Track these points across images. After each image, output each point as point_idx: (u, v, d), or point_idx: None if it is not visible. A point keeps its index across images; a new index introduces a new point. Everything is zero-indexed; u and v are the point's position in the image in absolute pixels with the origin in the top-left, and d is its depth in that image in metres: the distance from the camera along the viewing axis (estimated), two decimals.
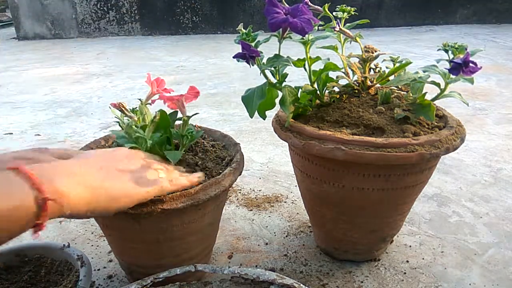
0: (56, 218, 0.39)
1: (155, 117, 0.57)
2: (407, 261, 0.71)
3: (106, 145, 0.68)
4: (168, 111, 0.63)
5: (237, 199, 0.93)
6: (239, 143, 0.66)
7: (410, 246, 0.75)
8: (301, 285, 0.51)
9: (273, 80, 0.62)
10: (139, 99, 0.63)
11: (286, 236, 0.79)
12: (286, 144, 0.64)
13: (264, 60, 0.59)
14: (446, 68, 0.56)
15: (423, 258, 0.72)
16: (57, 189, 0.38)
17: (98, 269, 0.71)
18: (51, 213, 0.37)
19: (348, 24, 0.66)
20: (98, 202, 0.42)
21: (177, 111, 0.64)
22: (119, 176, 0.45)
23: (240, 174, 0.60)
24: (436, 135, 0.57)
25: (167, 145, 0.60)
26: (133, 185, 0.46)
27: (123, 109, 0.59)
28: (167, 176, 0.51)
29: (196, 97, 0.62)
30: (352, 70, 0.67)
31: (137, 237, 0.56)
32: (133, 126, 0.58)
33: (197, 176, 0.55)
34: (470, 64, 0.53)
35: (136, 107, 0.60)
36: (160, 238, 0.56)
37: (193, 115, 0.63)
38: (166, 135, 0.60)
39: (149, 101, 0.64)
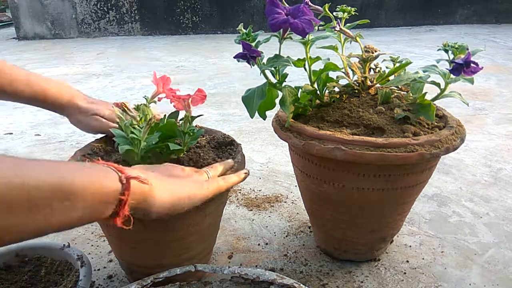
0: (140, 205, 0.42)
1: (150, 119, 0.57)
2: (407, 261, 0.71)
3: (104, 145, 0.68)
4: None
5: (237, 199, 0.93)
6: (240, 144, 0.66)
7: (410, 246, 0.75)
8: (301, 285, 0.51)
9: (273, 80, 0.62)
10: (145, 97, 0.62)
11: (286, 236, 0.79)
12: (286, 144, 0.64)
13: (264, 60, 0.59)
14: (446, 68, 0.57)
15: (423, 258, 0.72)
16: (139, 176, 0.41)
17: (98, 269, 0.71)
18: (134, 193, 0.40)
19: (348, 24, 0.66)
20: (178, 202, 0.47)
21: (178, 111, 0.64)
22: (184, 182, 0.50)
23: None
24: (436, 135, 0.57)
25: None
26: (197, 186, 0.50)
27: (126, 108, 0.59)
28: (215, 176, 0.55)
29: (202, 100, 0.62)
30: (352, 70, 0.67)
31: (138, 238, 0.56)
32: (130, 127, 0.58)
33: (244, 173, 0.58)
34: (472, 64, 0.53)
35: (141, 104, 0.60)
36: (161, 239, 0.56)
37: (197, 116, 0.62)
38: (167, 142, 0.59)
39: (155, 99, 0.63)
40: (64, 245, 0.62)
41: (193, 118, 0.61)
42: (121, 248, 0.62)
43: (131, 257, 0.62)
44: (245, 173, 0.59)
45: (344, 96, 0.67)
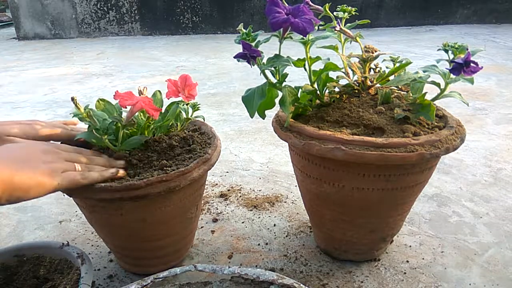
0: None
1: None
2: (407, 261, 0.71)
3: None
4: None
5: (237, 199, 0.93)
6: (218, 137, 0.67)
7: (410, 246, 0.75)
8: (301, 285, 0.51)
9: (273, 80, 0.62)
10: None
11: (286, 236, 0.79)
12: (286, 144, 0.64)
13: (264, 60, 0.59)
14: (446, 68, 0.57)
15: (423, 258, 0.72)
16: None
17: (98, 269, 0.71)
18: None
19: (348, 24, 0.66)
20: (11, 192, 0.45)
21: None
22: (31, 168, 0.48)
23: (210, 168, 0.60)
24: (436, 135, 0.57)
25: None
26: (44, 177, 0.48)
27: (143, 93, 0.64)
28: (83, 169, 0.54)
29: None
30: (352, 70, 0.67)
31: (106, 221, 0.60)
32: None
33: (111, 172, 0.56)
34: (471, 64, 0.53)
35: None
36: (126, 224, 0.59)
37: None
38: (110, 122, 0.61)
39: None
40: (63, 243, 0.62)
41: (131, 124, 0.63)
42: (99, 231, 0.66)
43: (110, 239, 0.65)
44: (112, 172, 0.55)
45: (344, 96, 0.67)
